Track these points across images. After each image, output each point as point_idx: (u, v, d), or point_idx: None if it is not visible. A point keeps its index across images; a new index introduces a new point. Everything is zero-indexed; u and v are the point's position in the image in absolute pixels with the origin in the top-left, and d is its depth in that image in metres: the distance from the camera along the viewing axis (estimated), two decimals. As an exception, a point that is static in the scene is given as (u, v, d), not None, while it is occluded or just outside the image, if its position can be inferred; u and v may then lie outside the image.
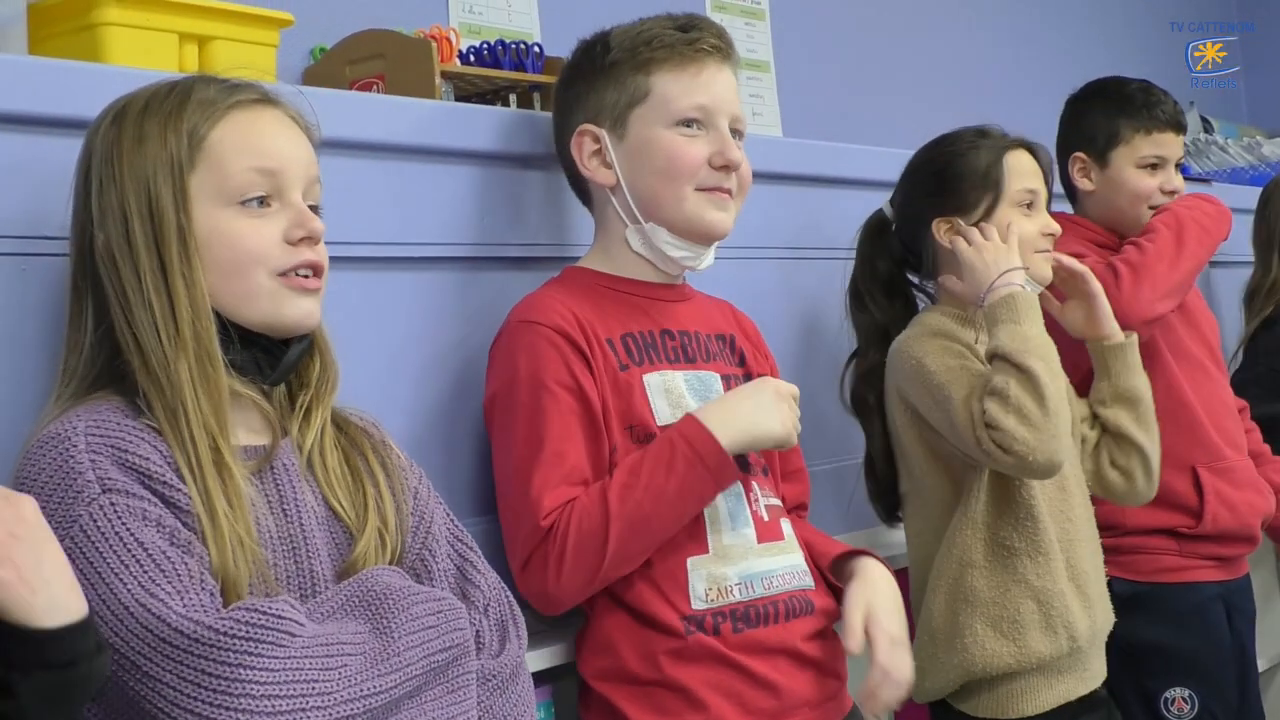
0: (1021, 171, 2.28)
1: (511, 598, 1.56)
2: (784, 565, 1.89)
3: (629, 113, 1.88)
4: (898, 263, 2.39)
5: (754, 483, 1.90)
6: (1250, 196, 4.01)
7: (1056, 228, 2.31)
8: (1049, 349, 2.10)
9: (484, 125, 1.99)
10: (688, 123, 1.88)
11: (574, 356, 1.80)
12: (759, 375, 1.98)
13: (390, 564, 1.46)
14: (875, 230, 2.40)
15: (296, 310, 1.44)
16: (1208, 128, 4.79)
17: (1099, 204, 2.75)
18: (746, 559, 1.85)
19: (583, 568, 1.72)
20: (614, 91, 1.88)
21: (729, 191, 1.91)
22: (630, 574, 1.79)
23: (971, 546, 2.19)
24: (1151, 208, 2.70)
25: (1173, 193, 2.71)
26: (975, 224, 2.26)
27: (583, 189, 1.96)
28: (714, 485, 1.78)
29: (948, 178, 2.31)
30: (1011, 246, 2.19)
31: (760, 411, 1.82)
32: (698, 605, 1.80)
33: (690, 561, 1.81)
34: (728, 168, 1.89)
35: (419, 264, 1.90)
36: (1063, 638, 2.18)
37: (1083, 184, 2.76)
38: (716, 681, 1.79)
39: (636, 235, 1.90)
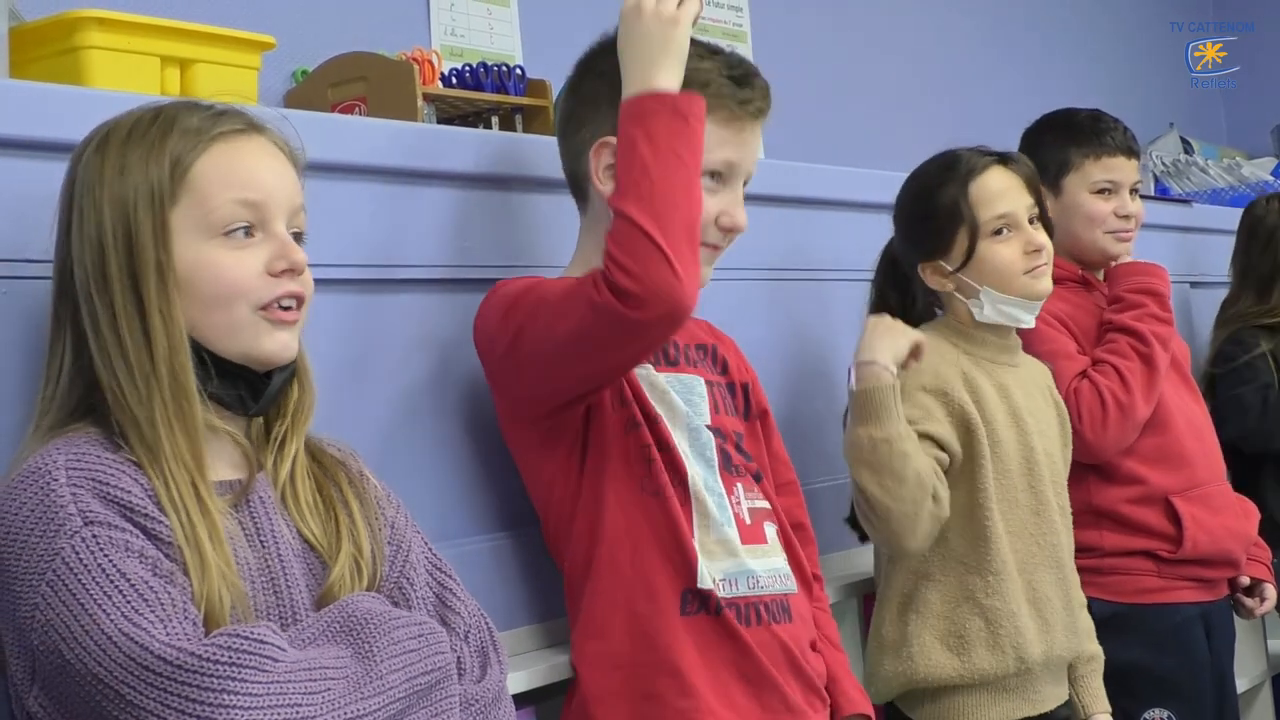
0: (990, 197, 2.29)
1: (491, 624, 1.56)
2: (768, 568, 1.90)
3: None
4: (907, 294, 2.42)
5: (737, 484, 1.91)
6: (1231, 217, 4.03)
7: (1040, 241, 2.30)
8: (886, 448, 2.08)
9: (464, 147, 1.99)
10: (712, 174, 1.87)
11: None
12: (743, 383, 2.01)
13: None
14: (888, 261, 2.44)
15: (273, 344, 1.44)
16: (1188, 149, 4.82)
17: (1058, 234, 2.76)
18: (733, 557, 1.86)
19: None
20: None
21: (719, 247, 1.92)
22: (633, 549, 1.80)
23: (926, 559, 2.21)
24: (1108, 233, 2.71)
25: (1127, 217, 2.72)
26: (960, 266, 2.28)
27: (578, 185, 1.93)
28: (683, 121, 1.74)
29: (920, 219, 2.34)
30: (883, 333, 2.14)
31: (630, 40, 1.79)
32: (704, 584, 1.81)
33: (695, 542, 1.82)
34: (733, 231, 1.90)
35: (399, 286, 1.90)
36: (1010, 658, 2.21)
37: None
38: (710, 662, 1.80)
39: None
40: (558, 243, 2.04)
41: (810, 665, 1.92)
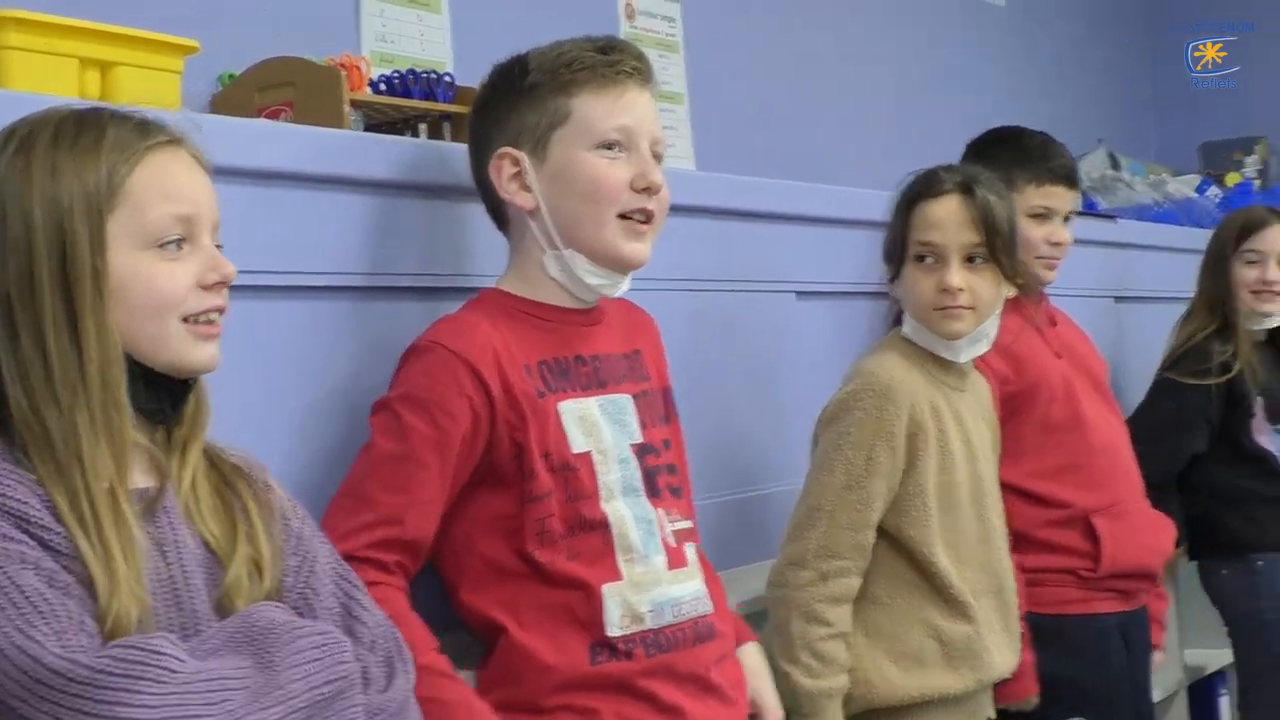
0: (927, 223, 2.29)
1: (399, 634, 1.56)
2: (690, 592, 1.91)
3: (550, 135, 1.87)
4: None
5: (661, 509, 1.91)
6: (1155, 233, 4.09)
7: (955, 284, 2.26)
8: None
9: (384, 155, 1.98)
10: (609, 145, 1.87)
11: (475, 392, 1.80)
12: (663, 389, 2.02)
13: (268, 600, 1.45)
14: None
15: (202, 354, 1.45)
16: (1115, 165, 4.87)
17: None
18: (659, 585, 1.86)
19: None
20: (534, 114, 1.87)
21: (650, 213, 1.91)
22: (541, 602, 1.80)
23: (871, 583, 2.23)
24: (1038, 258, 2.73)
25: (1058, 244, 2.74)
26: (893, 279, 2.31)
27: (499, 213, 1.95)
28: None
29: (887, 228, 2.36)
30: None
31: None
32: (612, 632, 1.81)
33: (605, 589, 1.82)
34: (649, 190, 1.89)
35: (320, 293, 1.89)
36: (968, 679, 2.24)
37: None
38: (622, 710, 1.80)
39: (554, 262, 1.89)
40: (484, 251, 2.04)
41: (725, 677, 1.93)
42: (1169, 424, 3.33)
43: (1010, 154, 2.76)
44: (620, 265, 1.91)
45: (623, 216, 1.88)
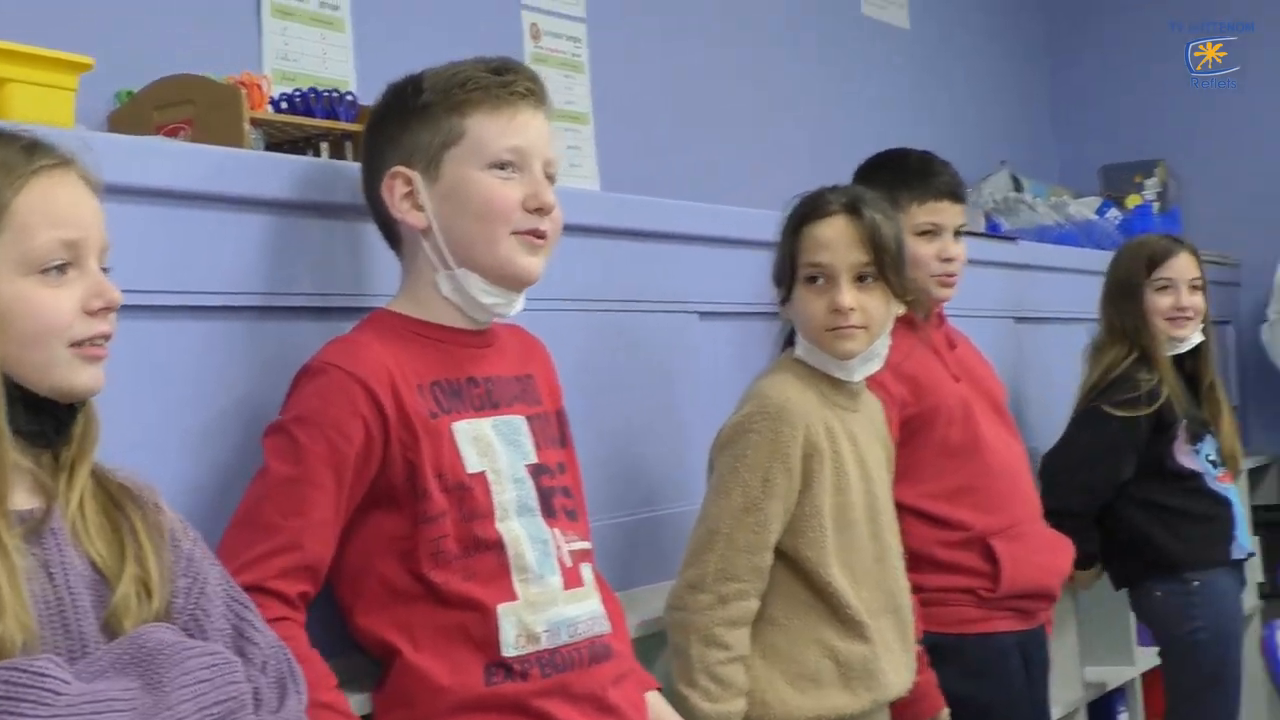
0: (814, 244, 2.31)
1: (291, 655, 1.55)
2: (586, 612, 1.91)
3: (443, 154, 1.87)
4: None
5: (557, 529, 1.91)
6: (1056, 254, 4.15)
7: (844, 304, 2.28)
8: None
9: (283, 174, 1.98)
10: (502, 165, 1.88)
11: (369, 412, 1.79)
12: (556, 412, 2.02)
13: (157, 620, 1.44)
14: None
15: (87, 378, 1.44)
16: (1018, 187, 4.93)
17: None
18: (555, 605, 1.87)
19: None
20: (427, 133, 1.88)
21: (543, 233, 1.91)
22: (436, 623, 1.80)
23: (770, 603, 2.24)
24: (932, 276, 2.76)
25: (949, 259, 2.77)
26: (783, 300, 2.33)
27: (391, 233, 1.95)
28: None
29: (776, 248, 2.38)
30: None
31: None
32: (508, 652, 1.81)
33: (500, 609, 1.82)
34: (541, 210, 1.90)
35: (214, 312, 1.88)
36: (865, 700, 2.26)
37: None
38: None
39: (447, 281, 1.90)
40: (383, 271, 2.03)
41: (624, 698, 1.93)
42: (1100, 453, 3.38)
43: (893, 174, 2.79)
44: (514, 282, 1.92)
45: (515, 234, 1.89)
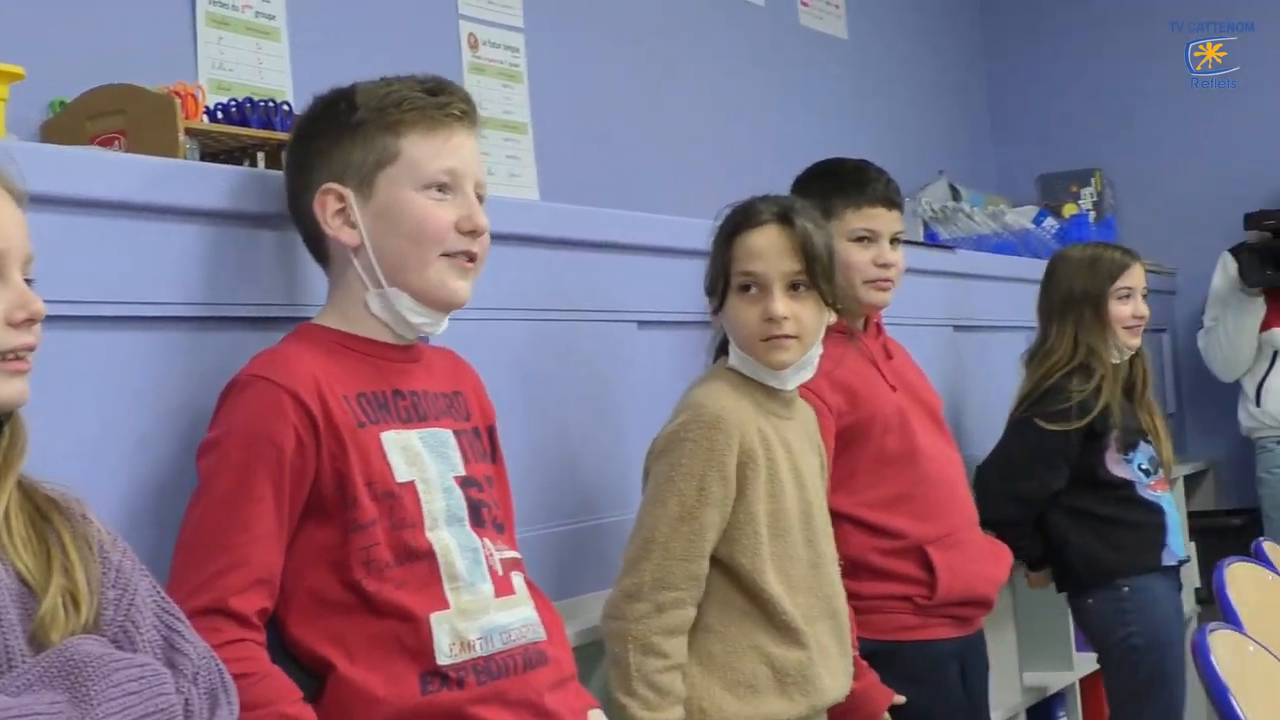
0: (747, 254, 2.31)
1: (222, 665, 1.54)
2: (519, 619, 1.91)
3: (377, 173, 1.87)
4: None
5: (485, 539, 1.91)
6: (993, 263, 4.18)
7: (780, 312, 2.28)
8: None
9: (223, 184, 1.96)
10: (436, 186, 1.88)
11: (300, 421, 1.79)
12: (488, 426, 2.02)
13: (85, 632, 1.43)
14: None
15: (12, 391, 1.43)
16: (956, 195, 4.96)
17: None
18: (487, 613, 1.86)
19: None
20: (361, 151, 1.87)
21: (474, 255, 1.92)
22: (369, 633, 1.79)
23: (706, 611, 2.25)
24: (867, 282, 2.77)
25: (885, 265, 2.78)
26: (716, 310, 2.33)
27: (318, 247, 1.94)
28: None
29: (709, 257, 2.38)
30: None
31: None
32: (443, 661, 1.81)
33: (433, 618, 1.82)
34: (474, 233, 1.91)
35: (148, 323, 1.86)
36: (801, 705, 2.26)
37: None
38: None
39: (377, 299, 1.90)
40: (309, 280, 2.03)
41: (562, 704, 1.93)
42: (1030, 464, 3.41)
43: (828, 182, 2.80)
44: (443, 305, 1.93)
45: (446, 256, 1.90)
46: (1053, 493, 3.43)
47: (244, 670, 1.67)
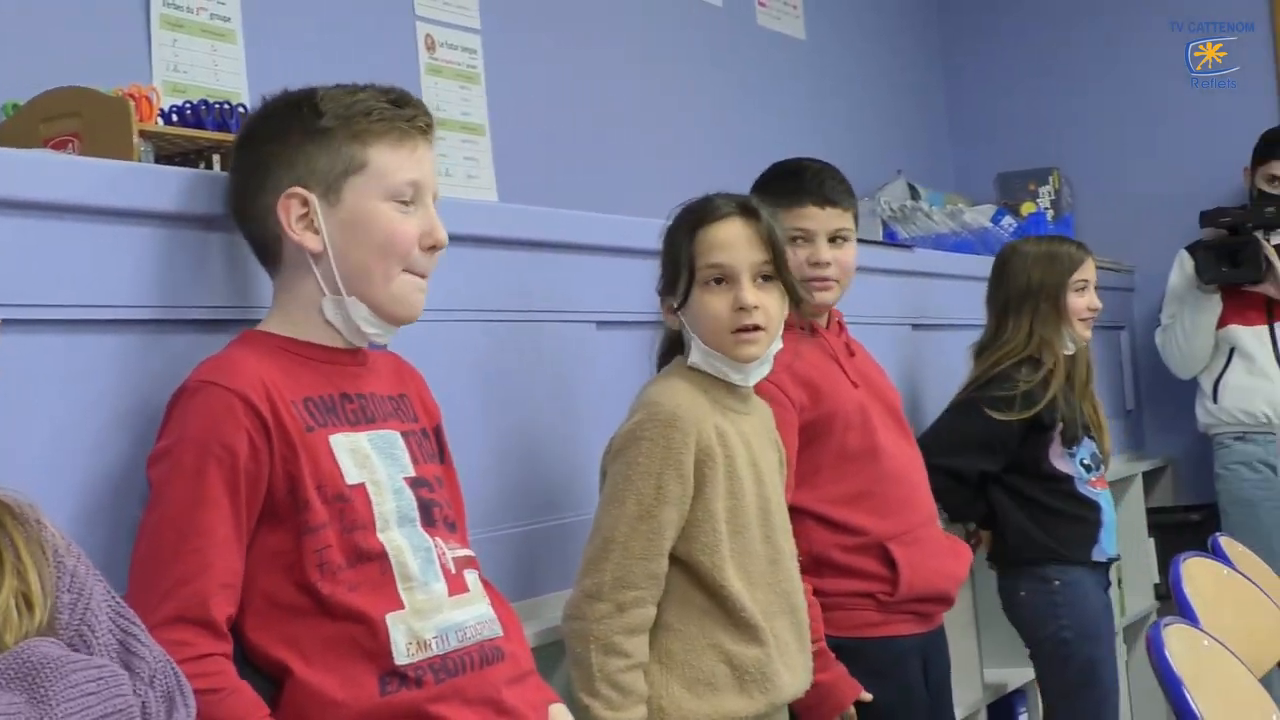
0: (711, 246, 2.33)
1: (177, 669, 1.54)
2: (474, 616, 1.91)
3: (343, 181, 1.87)
4: None
5: (437, 538, 1.91)
6: (951, 262, 4.19)
7: (751, 302, 2.32)
8: None
9: (178, 186, 1.96)
10: (401, 198, 1.89)
11: (252, 425, 1.78)
12: (435, 427, 2.03)
13: (40, 634, 1.42)
14: None
15: None
16: (915, 194, 4.98)
17: None
18: (441, 611, 1.87)
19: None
20: (327, 158, 1.87)
21: (428, 270, 1.94)
22: (325, 636, 1.79)
23: (665, 609, 2.25)
24: (803, 281, 2.75)
25: (818, 264, 2.76)
26: (679, 306, 2.33)
27: (268, 250, 1.93)
28: None
29: (662, 255, 2.39)
30: None
31: None
32: (400, 660, 1.81)
33: (389, 618, 1.82)
34: (435, 248, 1.93)
35: (102, 326, 1.86)
36: (760, 702, 2.27)
37: None
38: None
39: (333, 306, 1.90)
40: (262, 283, 2.01)
41: (521, 699, 1.93)
42: (968, 445, 3.43)
43: (766, 185, 2.82)
44: (400, 319, 1.95)
45: (408, 271, 1.91)
46: (983, 473, 3.45)
47: (211, 685, 1.68)
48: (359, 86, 1.92)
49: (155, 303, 1.91)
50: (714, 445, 2.28)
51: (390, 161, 1.88)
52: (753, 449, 2.36)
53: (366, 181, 1.88)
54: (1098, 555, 3.53)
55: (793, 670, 2.35)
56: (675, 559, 2.26)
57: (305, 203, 1.87)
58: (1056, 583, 3.48)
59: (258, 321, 1.95)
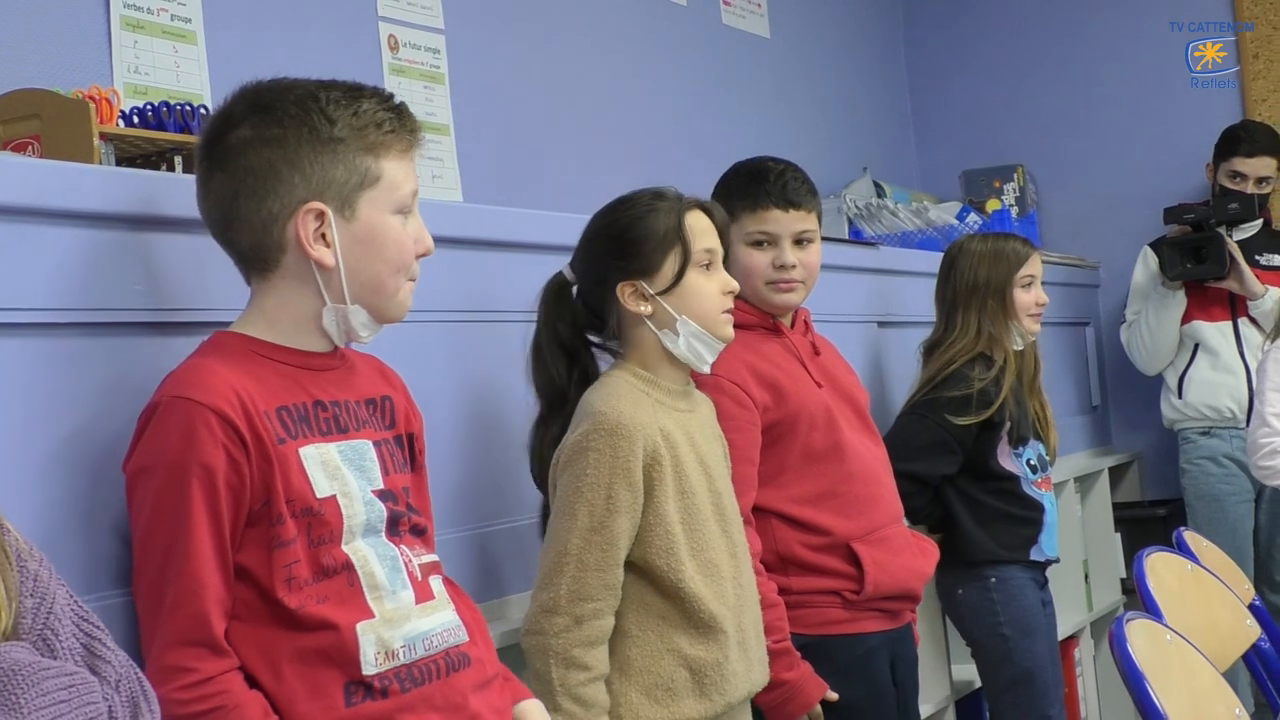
0: (700, 231, 2.35)
1: (142, 675, 1.54)
2: (440, 624, 1.90)
3: (358, 195, 1.84)
4: (579, 325, 2.41)
5: (403, 546, 1.91)
6: (917, 259, 4.20)
7: (734, 285, 2.38)
8: None
9: (128, 188, 1.94)
10: (403, 210, 1.89)
11: (229, 439, 1.77)
12: (409, 433, 2.01)
13: (2, 639, 1.42)
14: (556, 293, 2.42)
15: None
16: (880, 193, 4.99)
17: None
18: (409, 620, 1.86)
19: None
20: (341, 170, 1.83)
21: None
22: (295, 648, 1.78)
23: (622, 616, 2.25)
24: (767, 283, 2.76)
25: (784, 267, 2.76)
26: (668, 288, 2.32)
27: (262, 257, 1.86)
28: None
29: (629, 241, 2.35)
30: None
31: None
32: (368, 670, 1.80)
33: (359, 627, 1.81)
34: (425, 254, 1.94)
35: (60, 330, 1.84)
36: (718, 704, 2.28)
37: None
38: None
39: (333, 314, 1.88)
40: (229, 287, 1.99)
41: (486, 704, 1.93)
42: (927, 449, 3.43)
43: (728, 187, 2.81)
44: (393, 321, 1.96)
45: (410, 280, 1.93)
46: (942, 475, 3.47)
47: (213, 706, 1.70)
48: (355, 88, 1.89)
49: (116, 305, 1.90)
50: (661, 449, 2.27)
51: (398, 173, 1.88)
52: (698, 446, 2.36)
53: (379, 195, 1.86)
54: (1035, 555, 3.53)
55: (750, 664, 2.35)
56: (632, 564, 2.26)
57: (321, 216, 1.83)
58: (993, 580, 3.48)
59: (217, 325, 1.92)
